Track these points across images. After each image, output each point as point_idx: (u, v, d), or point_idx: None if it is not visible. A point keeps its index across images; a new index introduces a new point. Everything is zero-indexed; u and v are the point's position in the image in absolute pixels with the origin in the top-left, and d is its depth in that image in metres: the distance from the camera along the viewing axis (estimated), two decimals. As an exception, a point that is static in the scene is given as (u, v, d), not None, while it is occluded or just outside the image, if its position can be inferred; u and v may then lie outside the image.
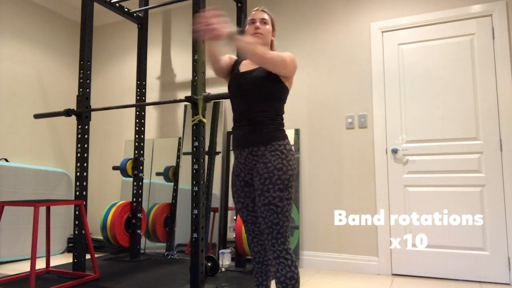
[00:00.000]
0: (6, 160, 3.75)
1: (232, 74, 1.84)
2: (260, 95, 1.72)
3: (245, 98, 1.74)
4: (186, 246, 3.63)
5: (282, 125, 1.77)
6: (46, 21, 4.28)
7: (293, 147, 3.43)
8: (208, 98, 2.62)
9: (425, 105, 3.11)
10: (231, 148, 3.74)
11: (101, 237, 4.07)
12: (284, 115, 1.85)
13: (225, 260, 3.16)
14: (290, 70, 1.73)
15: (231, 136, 1.89)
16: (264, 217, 1.64)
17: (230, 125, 3.84)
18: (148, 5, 3.89)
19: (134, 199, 3.65)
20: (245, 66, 1.84)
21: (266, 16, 1.82)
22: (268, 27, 1.82)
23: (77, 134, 3.17)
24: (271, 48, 1.85)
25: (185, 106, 3.94)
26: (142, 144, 3.74)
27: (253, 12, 1.84)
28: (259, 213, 1.67)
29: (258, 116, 1.71)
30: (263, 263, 1.80)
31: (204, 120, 2.57)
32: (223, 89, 2.31)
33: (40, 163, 4.11)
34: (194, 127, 2.64)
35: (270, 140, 1.69)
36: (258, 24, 1.80)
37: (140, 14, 3.84)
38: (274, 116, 1.73)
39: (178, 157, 3.92)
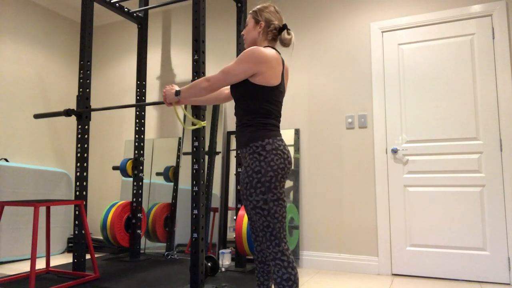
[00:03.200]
0: (6, 160, 3.75)
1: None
2: (235, 98, 1.77)
3: (234, 102, 1.83)
4: (186, 246, 3.63)
5: (265, 124, 1.70)
6: (46, 21, 4.28)
7: (292, 147, 3.44)
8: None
9: (425, 105, 3.11)
10: (231, 148, 3.74)
11: (101, 237, 4.08)
12: (284, 115, 1.84)
13: (225, 260, 3.16)
14: (246, 69, 1.64)
15: None
16: (255, 221, 1.66)
17: (230, 125, 3.84)
18: (148, 5, 3.89)
19: (134, 199, 3.65)
20: None
21: (247, 18, 1.88)
22: (249, 26, 1.85)
23: (77, 134, 3.17)
24: (256, 42, 1.83)
25: (185, 106, 3.94)
26: (142, 144, 3.74)
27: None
28: (250, 217, 1.70)
29: (240, 118, 1.75)
30: (265, 263, 1.80)
31: (204, 123, 2.57)
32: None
33: (40, 163, 4.11)
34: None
35: (248, 141, 1.69)
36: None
37: (140, 14, 3.84)
38: (252, 116, 1.70)
39: (178, 157, 3.92)
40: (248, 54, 1.65)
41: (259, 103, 1.70)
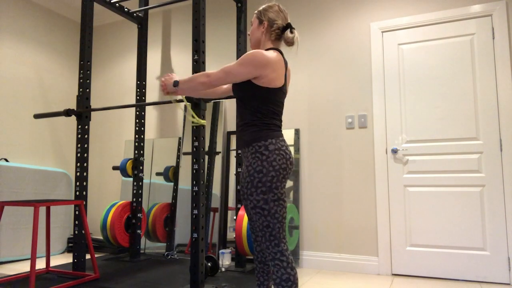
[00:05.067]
0: (6, 160, 3.75)
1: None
2: (238, 98, 1.77)
3: (236, 101, 1.82)
4: (186, 246, 3.63)
5: (267, 124, 1.70)
6: (46, 21, 4.28)
7: (292, 147, 3.44)
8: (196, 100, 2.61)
9: (425, 105, 3.11)
10: (231, 148, 3.74)
11: (101, 237, 4.08)
12: (284, 115, 1.85)
13: (225, 260, 3.16)
14: (248, 71, 1.65)
15: None
16: (255, 221, 1.66)
17: (230, 125, 3.84)
18: (148, 5, 3.89)
19: (134, 199, 3.65)
20: None
21: (252, 18, 1.89)
22: (253, 26, 1.86)
23: (77, 134, 3.17)
24: (260, 42, 1.84)
25: (185, 106, 3.94)
26: (142, 144, 3.74)
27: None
28: (249, 217, 1.69)
29: (242, 118, 1.75)
30: (265, 263, 1.80)
31: (204, 123, 2.57)
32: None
33: (40, 163, 4.11)
34: (194, 127, 2.64)
35: (251, 141, 1.69)
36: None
37: (140, 14, 3.84)
38: (256, 117, 1.70)
39: (178, 157, 3.92)
40: (250, 57, 1.65)
41: (263, 104, 1.70)
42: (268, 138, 1.67)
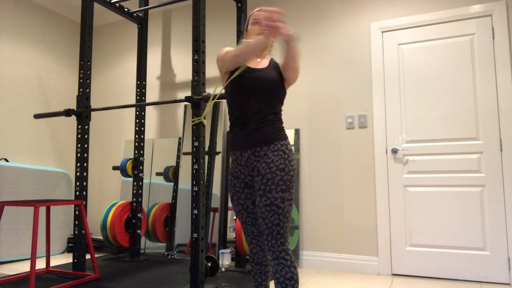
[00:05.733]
0: (6, 160, 3.75)
1: (243, 70, 1.74)
2: (273, 96, 1.73)
3: (256, 97, 1.70)
4: (186, 246, 3.63)
5: (283, 124, 1.79)
6: (46, 21, 4.28)
7: (293, 147, 3.44)
8: (215, 97, 2.61)
9: (425, 105, 3.11)
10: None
11: (101, 237, 4.08)
12: (284, 115, 1.86)
13: (225, 260, 3.16)
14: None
15: (230, 137, 1.83)
16: (264, 218, 1.64)
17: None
18: (148, 5, 3.89)
19: (134, 199, 3.65)
20: (254, 63, 1.79)
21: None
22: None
23: (77, 134, 3.17)
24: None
25: (185, 106, 3.95)
26: (142, 144, 3.74)
27: (256, 12, 1.85)
28: (259, 214, 1.66)
29: (264, 116, 1.70)
30: (262, 264, 1.80)
31: (204, 122, 2.57)
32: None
33: (40, 163, 4.11)
34: (194, 127, 2.64)
35: (273, 140, 1.69)
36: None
37: (140, 14, 3.84)
38: (278, 116, 1.75)
39: (178, 157, 3.92)
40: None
41: (282, 104, 1.79)
42: (287, 138, 1.74)
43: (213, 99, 2.35)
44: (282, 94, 1.76)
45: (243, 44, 1.63)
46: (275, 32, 1.54)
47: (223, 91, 1.99)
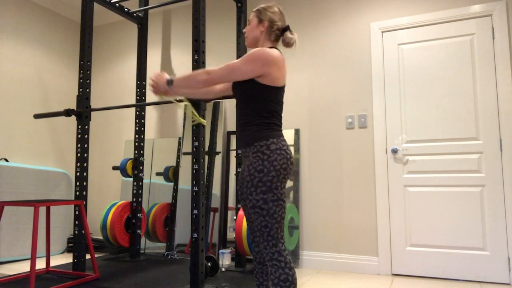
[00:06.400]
0: (6, 160, 3.75)
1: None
2: (240, 96, 1.74)
3: (237, 102, 1.79)
4: (186, 246, 3.63)
5: (269, 124, 1.69)
6: (46, 21, 4.28)
7: (293, 147, 3.44)
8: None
9: (425, 105, 3.11)
10: (231, 148, 3.74)
11: (101, 237, 4.08)
12: (284, 115, 1.84)
13: (225, 260, 3.16)
14: (253, 69, 1.64)
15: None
16: (253, 220, 1.65)
17: (230, 125, 3.84)
18: (148, 5, 3.89)
19: (134, 199, 3.65)
20: None
21: (250, 16, 1.87)
22: (252, 24, 1.84)
23: (77, 134, 3.17)
24: (258, 41, 1.83)
25: (185, 106, 3.94)
26: (142, 144, 3.74)
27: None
28: (248, 217, 1.69)
29: (242, 118, 1.73)
30: (264, 263, 1.80)
31: (204, 122, 2.57)
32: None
33: (40, 163, 4.11)
34: (194, 127, 2.64)
35: (253, 141, 1.68)
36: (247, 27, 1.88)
37: (140, 14, 3.84)
38: (257, 116, 1.69)
39: (178, 157, 3.92)
40: (257, 55, 1.64)
41: (265, 103, 1.69)
42: (269, 137, 1.67)
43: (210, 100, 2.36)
44: (254, 91, 1.68)
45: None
46: (155, 91, 1.87)
47: (223, 94, 2.04)
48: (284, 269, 1.59)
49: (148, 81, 1.84)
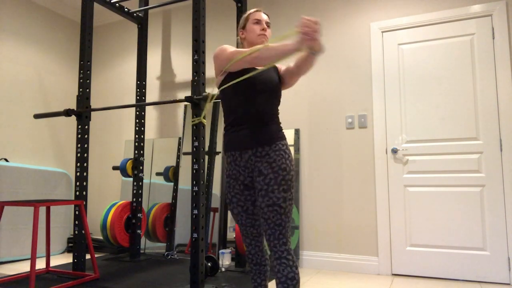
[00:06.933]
0: (6, 160, 3.75)
1: (245, 70, 1.72)
2: (275, 96, 1.75)
3: (260, 97, 1.69)
4: (186, 246, 3.63)
5: (280, 124, 1.80)
6: (46, 21, 4.28)
7: (293, 147, 3.44)
8: (213, 97, 2.62)
9: (425, 105, 3.11)
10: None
11: (101, 237, 4.08)
12: (284, 115, 1.86)
13: (225, 260, 3.16)
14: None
15: (226, 138, 1.80)
16: (267, 218, 1.63)
17: (230, 125, 3.83)
18: (148, 5, 3.89)
19: (134, 199, 3.65)
20: None
21: (269, 20, 1.87)
22: (270, 30, 1.87)
23: (77, 134, 3.17)
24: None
25: (185, 106, 3.95)
26: (142, 144, 3.74)
27: (257, 13, 1.84)
28: (261, 215, 1.65)
29: (267, 116, 1.70)
30: (261, 264, 1.80)
31: (204, 121, 2.57)
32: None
33: (40, 163, 4.11)
34: (194, 127, 2.64)
35: (275, 139, 1.69)
36: (265, 26, 1.83)
37: (140, 14, 3.84)
38: (277, 116, 1.77)
39: (178, 157, 3.92)
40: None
41: (279, 104, 1.80)
42: (285, 138, 1.74)
43: (210, 100, 2.35)
44: (281, 95, 1.79)
45: (266, 48, 1.56)
46: (312, 42, 1.47)
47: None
48: (292, 268, 1.60)
49: (307, 24, 1.33)
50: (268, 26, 1.85)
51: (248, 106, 1.69)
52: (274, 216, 1.62)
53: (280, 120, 1.77)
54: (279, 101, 1.78)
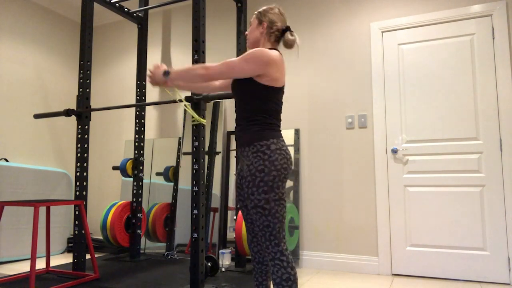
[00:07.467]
0: (6, 160, 3.75)
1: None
2: (240, 96, 1.75)
3: (236, 101, 1.79)
4: (186, 246, 3.63)
5: (269, 124, 1.70)
6: (46, 21, 4.28)
7: (292, 147, 3.44)
8: (208, 98, 2.62)
9: (425, 105, 3.11)
10: (231, 148, 3.74)
11: (101, 237, 4.08)
12: (284, 115, 1.84)
13: (225, 260, 3.16)
14: (253, 69, 1.64)
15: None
16: (255, 220, 1.65)
17: (230, 125, 3.84)
18: (148, 5, 3.89)
19: (134, 199, 3.65)
20: None
21: (252, 18, 1.88)
22: (252, 26, 1.86)
23: (77, 134, 3.17)
24: (258, 43, 1.83)
25: (185, 106, 3.94)
26: (142, 144, 3.74)
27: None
28: (252, 216, 1.68)
29: (242, 117, 1.73)
30: (263, 263, 1.80)
31: (204, 122, 2.57)
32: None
33: (40, 163, 4.11)
34: (194, 127, 2.64)
35: (253, 140, 1.68)
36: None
37: (140, 14, 3.84)
38: (258, 116, 1.70)
39: (178, 157, 3.92)
40: (257, 55, 1.64)
41: (265, 103, 1.70)
42: (269, 137, 1.68)
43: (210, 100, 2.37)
44: (253, 90, 1.69)
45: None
46: (153, 83, 1.83)
47: (220, 91, 2.04)
48: (286, 269, 1.60)
49: (147, 72, 1.81)
50: (250, 25, 1.89)
51: (235, 108, 1.81)
52: (260, 218, 1.63)
53: (280, 120, 1.76)
54: (254, 98, 1.70)
